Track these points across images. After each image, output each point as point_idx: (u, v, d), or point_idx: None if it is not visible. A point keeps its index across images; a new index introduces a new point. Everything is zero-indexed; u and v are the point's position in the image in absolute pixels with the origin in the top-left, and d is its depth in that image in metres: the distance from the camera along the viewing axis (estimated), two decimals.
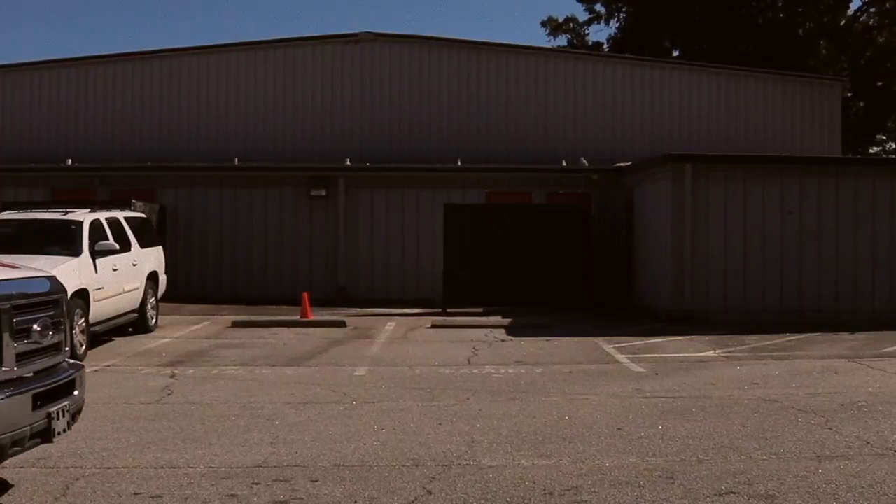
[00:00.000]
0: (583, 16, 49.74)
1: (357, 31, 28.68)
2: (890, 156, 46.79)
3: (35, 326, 6.88)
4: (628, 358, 15.27)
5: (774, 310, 20.24)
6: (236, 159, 26.68)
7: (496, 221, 23.08)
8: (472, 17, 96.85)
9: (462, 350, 16.07)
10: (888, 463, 8.40)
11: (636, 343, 17.06)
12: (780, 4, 44.52)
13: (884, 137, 49.43)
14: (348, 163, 26.12)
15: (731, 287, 20.39)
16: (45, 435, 6.84)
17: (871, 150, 47.77)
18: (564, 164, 26.45)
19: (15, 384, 6.57)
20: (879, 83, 45.61)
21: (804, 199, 20.57)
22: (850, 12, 46.55)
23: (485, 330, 18.99)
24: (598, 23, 49.07)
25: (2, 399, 6.38)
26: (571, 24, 50.38)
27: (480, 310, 21.95)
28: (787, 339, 17.66)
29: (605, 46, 48.49)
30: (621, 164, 25.40)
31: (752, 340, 17.37)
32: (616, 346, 16.69)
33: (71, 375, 7.28)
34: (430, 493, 7.40)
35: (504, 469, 8.11)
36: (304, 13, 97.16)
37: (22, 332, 6.71)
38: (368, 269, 25.03)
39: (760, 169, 20.86)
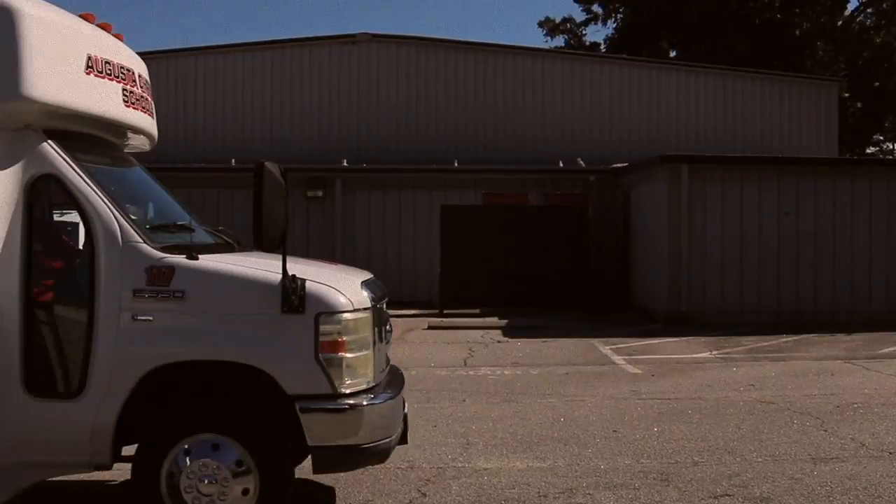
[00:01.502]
0: (580, 16, 49.87)
1: (354, 32, 28.70)
2: (886, 156, 46.82)
3: (386, 327, 6.79)
4: (624, 359, 15.27)
5: (771, 311, 20.25)
6: (233, 160, 26.69)
7: (493, 223, 23.09)
8: (469, 17, 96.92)
9: (458, 351, 16.07)
10: (883, 465, 8.40)
11: (632, 344, 17.06)
12: (777, 5, 44.54)
13: (881, 138, 49.50)
14: (345, 164, 26.12)
15: (728, 288, 20.40)
16: (404, 437, 6.68)
17: (868, 151, 47.82)
18: (561, 165, 26.47)
19: (387, 386, 6.48)
20: (876, 84, 45.65)
21: (801, 200, 20.59)
22: (847, 13, 46.64)
23: (481, 331, 18.99)
24: (596, 23, 49.19)
25: (386, 401, 6.25)
26: (569, 25, 50.46)
27: (477, 311, 21.96)
28: (784, 340, 17.67)
29: (602, 47, 48.54)
30: (618, 165, 25.43)
31: (749, 342, 17.38)
32: (612, 347, 16.69)
33: (402, 376, 7.18)
34: (424, 495, 7.40)
35: (499, 472, 8.10)
36: (301, 14, 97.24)
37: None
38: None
39: (757, 170, 20.89)
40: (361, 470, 8.04)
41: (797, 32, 44.62)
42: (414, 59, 28.69)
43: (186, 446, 5.94)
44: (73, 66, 6.28)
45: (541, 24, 50.79)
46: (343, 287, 6.18)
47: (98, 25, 6.72)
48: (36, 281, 6.03)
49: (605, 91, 28.85)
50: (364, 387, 6.09)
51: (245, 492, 5.93)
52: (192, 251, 6.05)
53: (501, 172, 25.92)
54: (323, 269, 6.54)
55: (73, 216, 6.25)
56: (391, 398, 6.31)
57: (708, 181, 20.54)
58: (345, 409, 5.96)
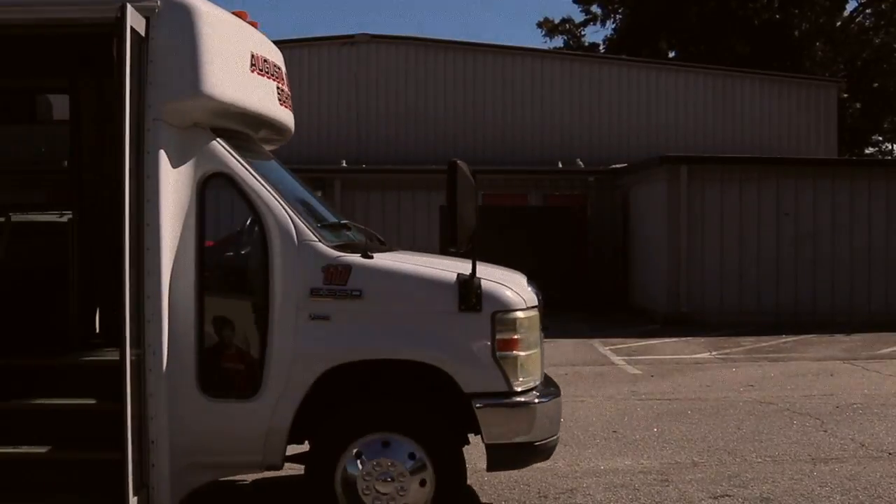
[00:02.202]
0: (579, 17, 49.83)
1: (353, 33, 28.67)
2: (886, 157, 46.82)
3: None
4: (624, 360, 15.27)
5: (770, 311, 20.24)
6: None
7: (492, 223, 23.00)
8: (467, 18, 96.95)
9: None
10: (883, 465, 8.40)
11: (632, 345, 17.06)
12: (776, 5, 44.54)
13: (880, 139, 49.46)
14: (344, 164, 26.11)
15: (727, 289, 20.39)
16: None
17: (867, 152, 47.82)
18: (560, 165, 26.45)
19: (546, 384, 6.51)
20: (875, 84, 45.64)
21: (800, 201, 20.59)
22: (846, 13, 46.62)
23: None
24: (595, 24, 49.13)
25: (553, 399, 6.33)
26: (567, 26, 50.41)
27: None
28: (783, 340, 17.66)
29: (601, 48, 48.50)
30: (617, 165, 25.41)
31: (748, 342, 17.38)
32: (612, 347, 16.69)
33: (548, 376, 7.23)
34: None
35: (499, 472, 8.08)
36: (299, 14, 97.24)
37: None
38: None
39: (756, 170, 20.88)
40: None
41: (796, 33, 44.62)
42: (412, 59, 28.67)
43: (361, 445, 5.99)
44: (241, 65, 6.33)
45: (540, 25, 50.77)
46: (514, 285, 6.26)
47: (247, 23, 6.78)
48: (210, 281, 6.02)
49: (604, 92, 28.83)
50: (532, 385, 6.17)
51: (422, 486, 5.98)
52: (366, 250, 6.08)
53: (500, 173, 25.87)
54: (489, 268, 6.53)
55: (242, 214, 6.26)
56: (557, 396, 6.39)
57: (707, 182, 20.53)
58: (520, 407, 6.04)
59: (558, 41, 50.38)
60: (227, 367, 6.06)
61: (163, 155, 5.81)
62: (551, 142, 27.98)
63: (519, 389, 6.03)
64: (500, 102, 28.42)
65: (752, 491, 7.56)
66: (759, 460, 8.59)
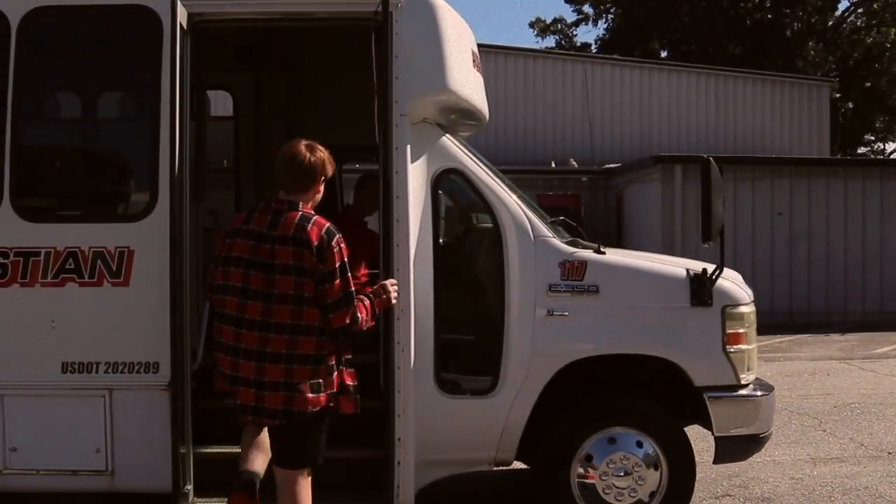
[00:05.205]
0: (571, 17, 49.83)
1: None
2: (878, 156, 46.90)
3: None
4: None
5: (765, 311, 19.95)
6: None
7: None
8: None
9: None
10: (882, 465, 8.39)
11: None
12: (767, 5, 44.58)
13: (872, 138, 49.54)
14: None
15: None
16: None
17: (859, 151, 47.91)
18: (554, 165, 26.42)
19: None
20: (868, 84, 45.71)
21: (794, 201, 20.59)
22: (837, 13, 46.69)
23: None
24: (587, 24, 49.14)
25: (771, 392, 6.43)
26: (560, 26, 50.44)
27: None
28: (778, 340, 17.63)
29: (593, 48, 48.52)
30: (611, 165, 25.39)
31: None
32: None
33: None
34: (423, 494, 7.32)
35: (495, 472, 8.03)
36: None
37: None
38: None
39: (750, 170, 20.87)
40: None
41: (788, 33, 44.65)
42: None
43: (590, 448, 6.01)
44: (468, 60, 6.33)
45: (532, 25, 50.84)
46: (736, 280, 6.35)
47: None
48: (446, 276, 6.00)
49: (597, 91, 28.80)
50: (752, 378, 6.26)
51: (656, 470, 6.04)
52: (598, 246, 6.06)
53: None
54: (702, 265, 6.51)
55: (474, 210, 6.27)
56: (773, 390, 6.47)
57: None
58: (748, 399, 6.17)
59: (550, 41, 50.46)
60: (464, 364, 6.11)
61: (408, 151, 5.79)
62: (544, 142, 27.95)
63: (745, 383, 6.13)
64: (492, 102, 28.03)
65: (753, 491, 7.54)
66: (759, 460, 8.51)
